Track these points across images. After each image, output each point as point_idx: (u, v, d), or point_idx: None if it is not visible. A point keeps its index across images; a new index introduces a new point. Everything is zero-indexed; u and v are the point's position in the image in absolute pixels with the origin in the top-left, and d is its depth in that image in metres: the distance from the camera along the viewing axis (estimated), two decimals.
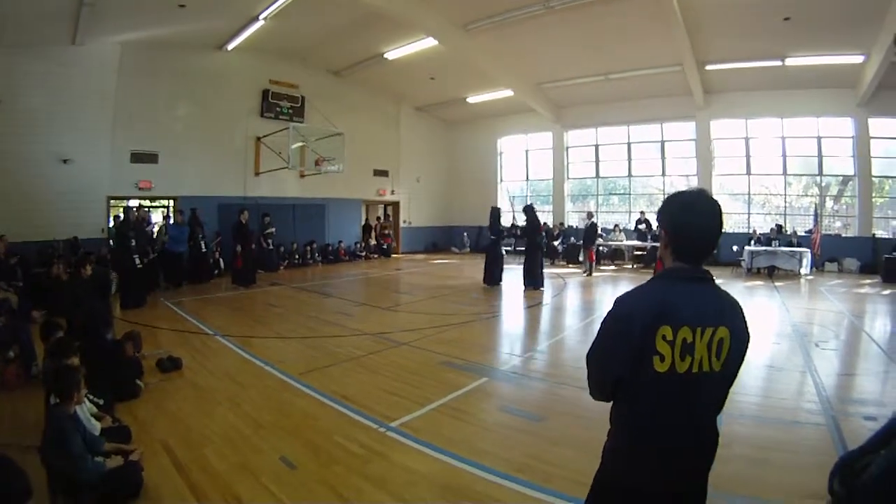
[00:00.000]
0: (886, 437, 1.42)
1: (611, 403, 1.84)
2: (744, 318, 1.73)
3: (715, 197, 1.76)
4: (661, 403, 1.65)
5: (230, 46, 15.92)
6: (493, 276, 13.71)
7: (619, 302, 1.73)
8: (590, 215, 17.64)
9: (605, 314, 1.78)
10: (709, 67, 16.22)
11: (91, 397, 4.32)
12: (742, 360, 1.73)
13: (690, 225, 1.71)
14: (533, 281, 12.92)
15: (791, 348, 7.47)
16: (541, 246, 13.57)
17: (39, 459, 3.28)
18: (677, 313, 1.61)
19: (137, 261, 10.98)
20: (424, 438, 4.37)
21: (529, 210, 13.64)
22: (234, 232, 13.64)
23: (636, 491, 1.71)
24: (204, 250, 14.31)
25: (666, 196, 1.89)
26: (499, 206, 14.09)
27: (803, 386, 5.88)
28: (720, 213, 1.72)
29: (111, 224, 13.87)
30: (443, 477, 3.78)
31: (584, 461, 3.78)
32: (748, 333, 1.73)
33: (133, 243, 10.95)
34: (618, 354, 1.68)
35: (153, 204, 16.27)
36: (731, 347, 1.66)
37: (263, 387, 5.77)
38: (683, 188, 1.88)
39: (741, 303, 1.79)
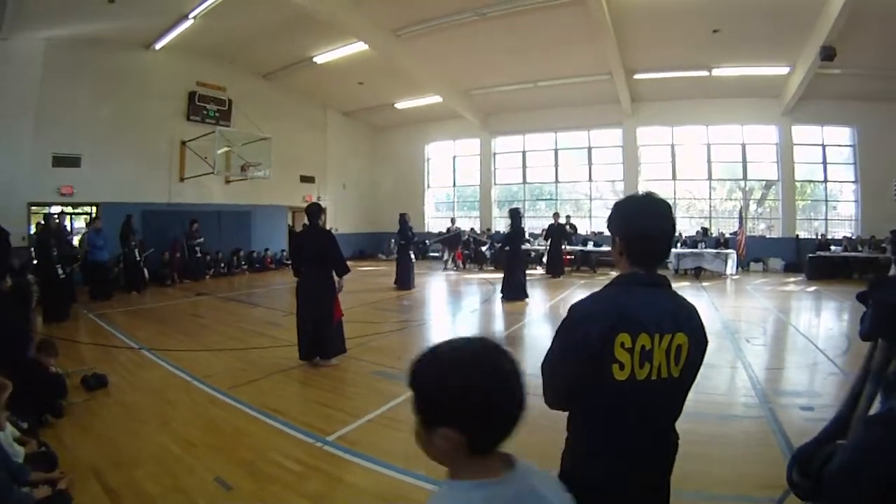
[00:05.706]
0: (839, 427, 1.45)
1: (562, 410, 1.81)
2: (701, 322, 1.72)
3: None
4: (621, 411, 1.63)
5: (158, 45, 15.27)
6: (403, 280, 14.23)
7: (575, 309, 1.69)
8: (453, 221, 20.64)
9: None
10: (637, 76, 16.75)
11: (15, 420, 4.03)
12: (700, 364, 1.72)
13: (643, 229, 1.69)
14: (517, 292, 12.03)
15: (722, 345, 7.73)
16: (520, 254, 12.76)
17: None
18: (635, 320, 1.58)
19: (60, 271, 10.41)
20: (362, 451, 4.26)
21: (515, 214, 12.67)
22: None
23: (597, 492, 1.64)
24: (137, 259, 13.64)
25: (614, 202, 1.86)
26: (407, 213, 15.86)
27: (738, 381, 6.12)
28: (671, 214, 1.72)
29: (32, 232, 12.97)
30: (383, 489, 3.69)
31: None
32: (706, 338, 1.73)
33: (55, 252, 10.38)
34: (575, 363, 1.63)
35: (75, 211, 15.48)
36: (690, 353, 1.65)
37: (192, 403, 5.51)
38: (637, 193, 1.85)
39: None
